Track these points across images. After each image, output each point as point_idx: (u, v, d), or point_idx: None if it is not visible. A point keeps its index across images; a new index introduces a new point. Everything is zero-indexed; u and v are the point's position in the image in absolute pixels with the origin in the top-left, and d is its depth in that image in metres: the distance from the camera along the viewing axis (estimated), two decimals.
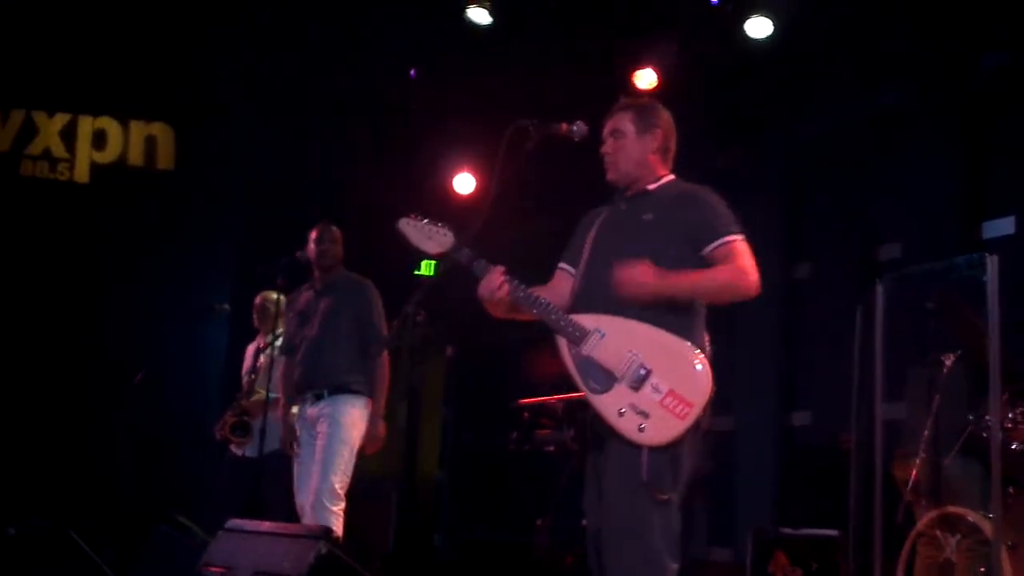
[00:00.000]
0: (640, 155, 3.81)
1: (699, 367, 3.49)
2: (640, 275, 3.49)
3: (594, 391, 3.51)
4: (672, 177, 3.86)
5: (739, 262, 3.57)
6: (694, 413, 3.43)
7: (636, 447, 3.44)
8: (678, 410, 3.42)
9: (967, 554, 4.86)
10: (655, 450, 3.44)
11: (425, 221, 3.73)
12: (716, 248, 3.61)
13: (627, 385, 3.47)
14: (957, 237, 6.41)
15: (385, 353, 5.82)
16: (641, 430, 3.43)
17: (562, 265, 3.93)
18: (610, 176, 3.84)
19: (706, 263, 3.62)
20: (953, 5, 6.65)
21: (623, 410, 3.45)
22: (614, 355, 3.51)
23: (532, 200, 7.72)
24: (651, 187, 3.81)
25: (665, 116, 3.89)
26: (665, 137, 3.85)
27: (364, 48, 8.74)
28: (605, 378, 3.50)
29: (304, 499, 5.66)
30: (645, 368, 3.47)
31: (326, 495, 5.51)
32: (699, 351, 3.53)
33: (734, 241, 3.61)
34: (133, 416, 8.13)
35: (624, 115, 3.85)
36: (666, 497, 3.45)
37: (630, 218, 3.76)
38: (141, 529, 5.38)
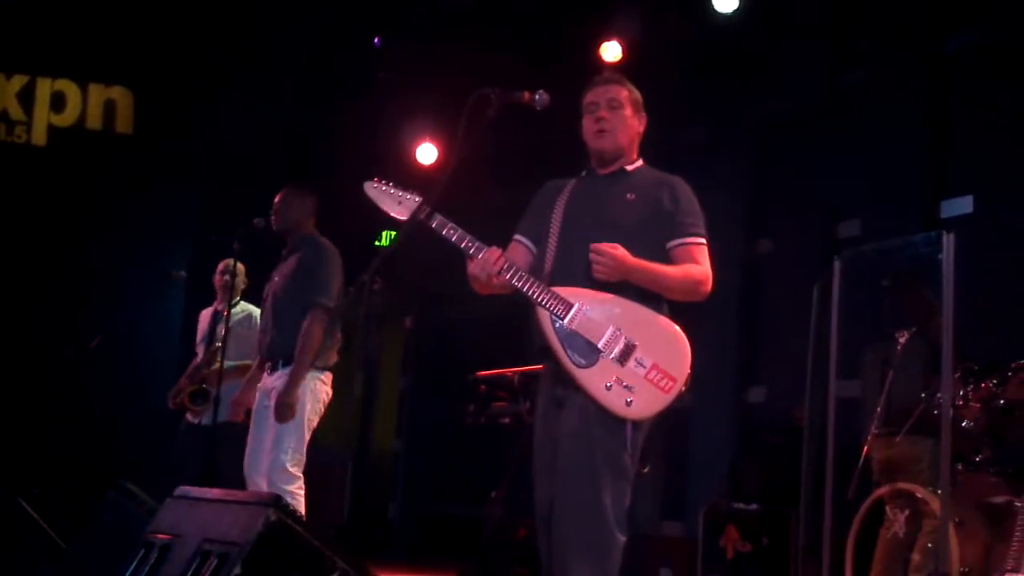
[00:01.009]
0: (633, 133, 3.81)
1: (680, 341, 3.54)
2: (620, 255, 3.51)
3: (579, 365, 3.49)
4: (643, 162, 3.86)
5: (705, 267, 3.64)
6: (677, 386, 3.47)
7: (620, 421, 3.46)
8: (663, 384, 3.45)
9: (916, 529, 4.91)
10: (637, 425, 3.48)
11: (391, 185, 3.66)
12: (681, 245, 3.65)
13: (612, 359, 3.47)
14: (917, 215, 6.44)
15: (320, 313, 5.38)
16: (628, 404, 3.44)
17: (518, 237, 3.89)
18: (602, 143, 3.78)
19: (667, 254, 3.64)
20: None
21: (610, 384, 3.45)
22: (598, 329, 3.50)
23: (489, 171, 7.69)
24: (630, 168, 3.81)
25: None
26: (644, 125, 3.87)
27: (328, 15, 8.68)
28: (589, 352, 3.48)
29: (255, 475, 5.52)
30: (630, 342, 3.48)
31: (277, 475, 5.28)
32: (681, 332, 3.56)
33: (700, 244, 3.66)
34: (87, 382, 8.06)
35: (621, 89, 3.83)
36: (634, 468, 3.49)
37: (613, 196, 3.74)
38: (92, 497, 5.31)
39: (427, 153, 9.01)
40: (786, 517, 6.08)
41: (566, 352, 3.51)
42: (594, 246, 3.52)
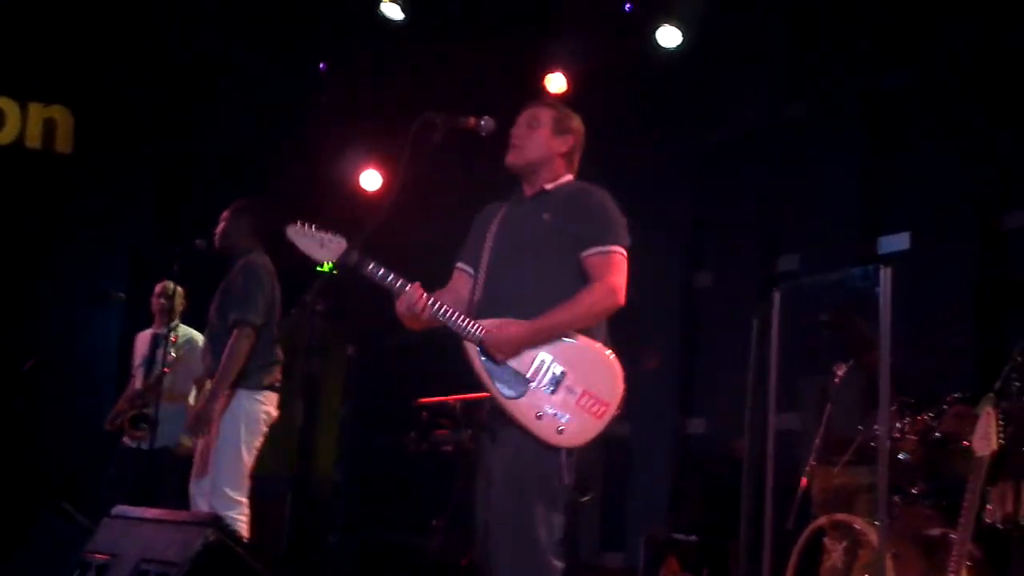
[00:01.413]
0: (548, 152, 3.79)
1: (611, 366, 3.53)
2: (512, 337, 3.49)
3: (508, 396, 3.48)
4: (570, 177, 3.86)
5: (609, 279, 3.58)
6: (610, 411, 3.46)
7: (553, 449, 3.45)
8: (595, 409, 3.44)
9: (853, 560, 4.95)
10: (571, 452, 3.48)
11: (314, 228, 3.61)
12: (593, 255, 3.62)
13: (542, 388, 3.47)
14: (854, 251, 6.52)
15: (244, 330, 5.30)
16: (560, 432, 3.43)
17: (460, 265, 3.90)
18: (511, 158, 3.80)
19: (582, 267, 3.62)
20: (858, 26, 6.79)
21: (540, 413, 3.44)
22: (526, 359, 3.50)
23: (433, 198, 7.69)
24: (549, 186, 3.80)
25: (579, 126, 3.91)
26: (575, 145, 3.86)
27: (274, 37, 8.65)
28: (518, 383, 3.48)
29: (199, 498, 5.43)
30: (560, 370, 3.48)
31: (216, 499, 5.24)
32: (609, 351, 3.56)
33: (611, 252, 3.63)
34: (22, 403, 7.91)
35: (545, 110, 3.86)
36: (567, 497, 3.49)
37: (531, 218, 3.74)
38: (26, 518, 5.22)
39: (371, 179, 8.97)
40: (726, 548, 6.09)
41: (494, 384, 3.50)
42: (484, 335, 3.49)
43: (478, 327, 3.52)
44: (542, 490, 3.45)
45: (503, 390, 3.49)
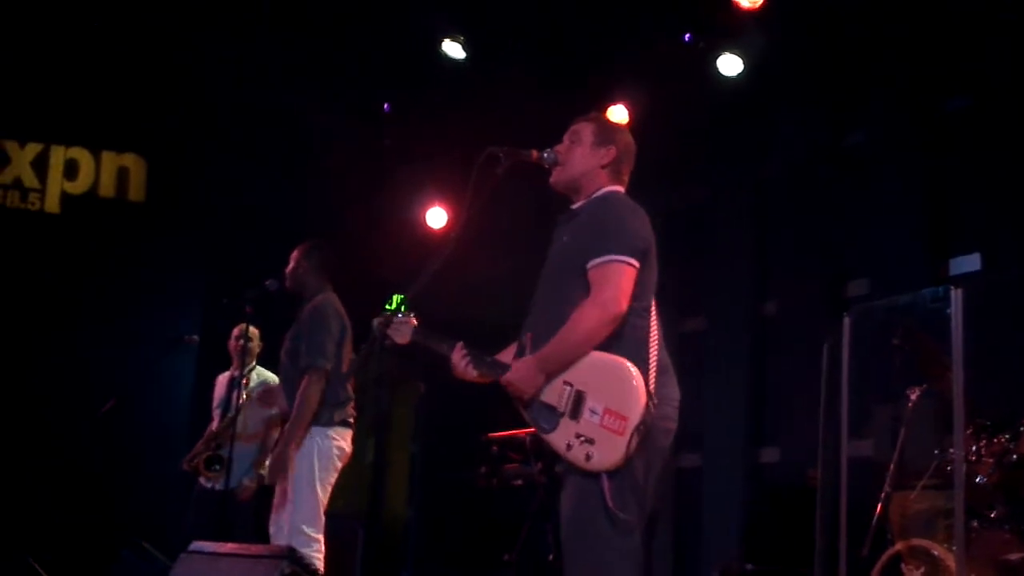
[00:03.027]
0: (589, 165, 3.75)
1: (626, 377, 3.41)
2: (520, 378, 3.50)
3: (544, 431, 3.49)
4: (608, 190, 3.76)
5: (602, 293, 3.48)
6: (631, 425, 3.34)
7: (594, 475, 3.40)
8: (616, 427, 3.35)
9: None
10: (612, 474, 3.39)
11: (392, 315, 3.83)
12: (593, 268, 3.52)
13: (568, 416, 3.44)
14: (924, 274, 6.46)
15: (314, 375, 5.39)
16: (589, 458, 3.38)
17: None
18: (554, 177, 3.79)
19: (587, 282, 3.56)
20: (919, 50, 6.75)
21: (570, 443, 3.41)
22: (552, 391, 3.49)
23: (503, 232, 7.74)
24: (578, 206, 3.77)
25: (625, 138, 3.85)
26: (618, 155, 3.78)
27: (338, 80, 8.78)
28: (550, 416, 3.47)
29: (279, 538, 5.49)
30: (579, 393, 3.44)
31: (296, 538, 5.28)
32: (627, 361, 3.44)
33: (609, 263, 3.51)
34: (101, 445, 8.06)
35: (587, 124, 3.83)
36: (629, 520, 3.41)
37: (557, 242, 3.76)
38: (106, 557, 5.30)
39: (437, 217, 9.05)
40: None
41: (535, 422, 3.52)
42: (501, 381, 3.54)
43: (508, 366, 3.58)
44: (593, 517, 3.40)
45: (542, 424, 3.50)
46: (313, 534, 5.37)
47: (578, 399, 3.44)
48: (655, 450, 3.49)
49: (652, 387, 3.43)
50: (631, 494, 3.43)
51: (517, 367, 3.52)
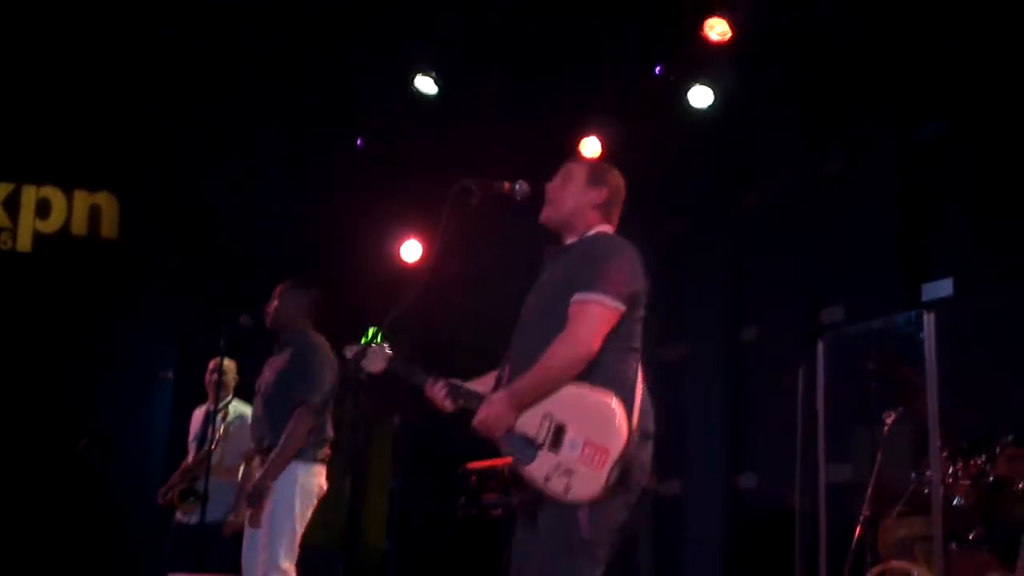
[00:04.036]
0: (581, 204, 3.78)
1: (610, 412, 3.40)
2: (493, 415, 3.48)
3: (521, 463, 3.45)
4: (600, 229, 3.79)
5: (574, 330, 3.48)
6: (612, 459, 3.33)
7: (571, 507, 3.39)
8: (596, 459, 3.33)
9: None
10: (590, 506, 3.38)
11: (366, 346, 3.83)
12: (572, 304, 3.52)
13: (548, 448, 3.41)
14: (898, 300, 6.50)
15: (305, 411, 5.42)
16: (568, 490, 3.36)
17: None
18: (545, 214, 3.81)
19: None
20: (892, 76, 6.83)
21: (548, 475, 3.38)
22: (530, 422, 3.46)
23: (477, 264, 7.77)
24: (570, 241, 3.79)
25: (616, 179, 3.87)
26: (610, 197, 3.81)
27: (311, 116, 8.82)
28: (528, 447, 3.44)
29: (252, 572, 5.51)
30: (559, 425, 3.42)
31: (272, 571, 5.32)
32: (612, 394, 3.44)
33: (587, 302, 3.50)
34: (77, 482, 8.02)
35: (579, 166, 3.88)
36: (601, 553, 3.42)
37: (545, 279, 3.77)
38: None
39: (412, 250, 9.06)
40: None
41: (512, 453, 3.49)
42: (475, 420, 3.53)
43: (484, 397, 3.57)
44: (569, 547, 3.39)
45: (519, 456, 3.47)
46: (290, 568, 5.37)
47: (559, 431, 3.41)
48: (632, 485, 3.49)
49: (635, 423, 3.43)
50: (605, 527, 3.43)
51: (489, 404, 3.50)
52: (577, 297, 3.51)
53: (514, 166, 4.06)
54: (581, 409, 3.44)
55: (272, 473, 5.40)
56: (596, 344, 3.47)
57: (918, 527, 5.00)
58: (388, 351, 3.83)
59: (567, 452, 3.38)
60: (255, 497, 5.41)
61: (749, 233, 7.84)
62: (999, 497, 4.73)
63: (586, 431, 3.39)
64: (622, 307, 3.53)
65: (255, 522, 5.48)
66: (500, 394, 3.51)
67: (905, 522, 5.07)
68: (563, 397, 3.47)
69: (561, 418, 3.43)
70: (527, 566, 3.55)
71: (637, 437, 3.43)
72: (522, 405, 3.48)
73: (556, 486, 3.38)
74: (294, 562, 5.41)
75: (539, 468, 3.41)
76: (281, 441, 5.42)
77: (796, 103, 7.41)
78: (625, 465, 3.37)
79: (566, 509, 3.39)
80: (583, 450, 3.36)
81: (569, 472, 3.36)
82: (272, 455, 5.44)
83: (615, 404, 3.42)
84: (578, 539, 3.38)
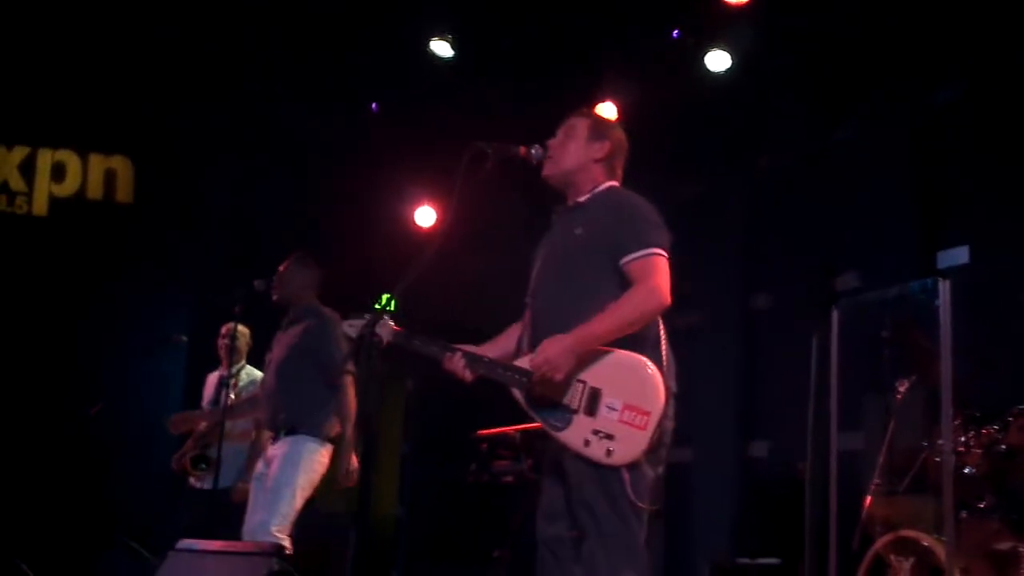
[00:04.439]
0: (583, 159, 3.77)
1: (646, 373, 3.44)
2: (558, 353, 3.44)
3: (556, 429, 3.48)
4: (610, 184, 3.81)
5: (650, 281, 3.50)
6: (654, 419, 3.39)
7: (612, 469, 3.42)
8: (637, 421, 3.38)
9: None
10: (631, 468, 3.42)
11: (366, 316, 3.75)
12: (633, 260, 3.53)
13: (583, 413, 3.44)
14: (913, 267, 6.47)
15: (349, 379, 5.56)
16: (609, 454, 3.40)
17: (527, 299, 3.92)
18: (547, 170, 3.81)
19: (623, 275, 3.57)
20: (908, 42, 6.76)
21: (588, 439, 3.42)
22: (563, 387, 3.49)
23: (492, 229, 7.74)
24: (583, 199, 3.77)
25: (618, 134, 3.88)
26: (612, 150, 3.81)
27: (325, 80, 8.78)
28: (562, 413, 3.47)
29: (246, 537, 5.56)
30: (594, 390, 3.45)
31: (261, 536, 5.34)
32: (645, 357, 3.47)
33: (650, 255, 3.54)
34: (91, 446, 8.06)
35: (581, 119, 3.86)
36: (646, 510, 3.45)
37: (565, 235, 3.74)
38: (94, 556, 5.31)
39: (426, 216, 9.04)
40: (791, 571, 6.04)
41: (542, 419, 3.50)
42: (531, 365, 3.49)
43: (522, 370, 3.54)
44: (612, 509, 3.43)
45: (552, 422, 3.49)
46: (281, 536, 5.40)
47: (593, 396, 3.45)
48: (664, 445, 3.53)
49: (669, 383, 3.48)
50: (646, 486, 3.47)
51: (547, 346, 3.46)
52: (634, 254, 3.53)
53: (529, 131, 4.02)
54: (615, 373, 3.47)
55: (352, 448, 5.56)
56: (668, 295, 3.51)
57: (928, 498, 5.00)
58: (394, 326, 3.74)
59: (604, 416, 3.42)
60: (351, 477, 5.58)
61: (763, 198, 7.80)
62: (1011, 466, 4.73)
63: (624, 394, 3.43)
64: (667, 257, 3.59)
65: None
66: (559, 337, 3.46)
67: (916, 491, 5.07)
68: (597, 363, 3.49)
69: (595, 383, 3.46)
70: (557, 530, 3.57)
71: (673, 393, 3.49)
72: (585, 349, 3.45)
73: (596, 450, 3.41)
74: (287, 532, 5.45)
75: (576, 434, 3.44)
76: (343, 417, 5.58)
77: (812, 68, 7.34)
78: (662, 424, 3.42)
79: (605, 472, 3.42)
80: (622, 413, 3.40)
81: (610, 436, 3.40)
82: (344, 435, 5.58)
83: (650, 365, 3.46)
84: (625, 499, 3.42)
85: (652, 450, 3.44)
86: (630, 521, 3.43)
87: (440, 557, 9.22)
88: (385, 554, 9.88)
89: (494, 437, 6.56)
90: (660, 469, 3.55)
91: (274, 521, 5.40)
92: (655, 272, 3.52)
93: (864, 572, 5.02)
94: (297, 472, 5.50)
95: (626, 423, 3.40)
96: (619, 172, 3.86)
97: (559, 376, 3.44)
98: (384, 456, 10.12)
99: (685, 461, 7.56)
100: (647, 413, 3.39)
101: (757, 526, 6.81)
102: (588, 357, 3.48)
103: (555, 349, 3.44)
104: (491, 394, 3.74)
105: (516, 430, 6.34)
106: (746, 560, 6.36)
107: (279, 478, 5.49)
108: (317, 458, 5.60)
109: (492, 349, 3.84)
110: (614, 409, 3.41)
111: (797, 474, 6.06)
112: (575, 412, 3.46)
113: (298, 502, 5.50)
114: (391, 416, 10.18)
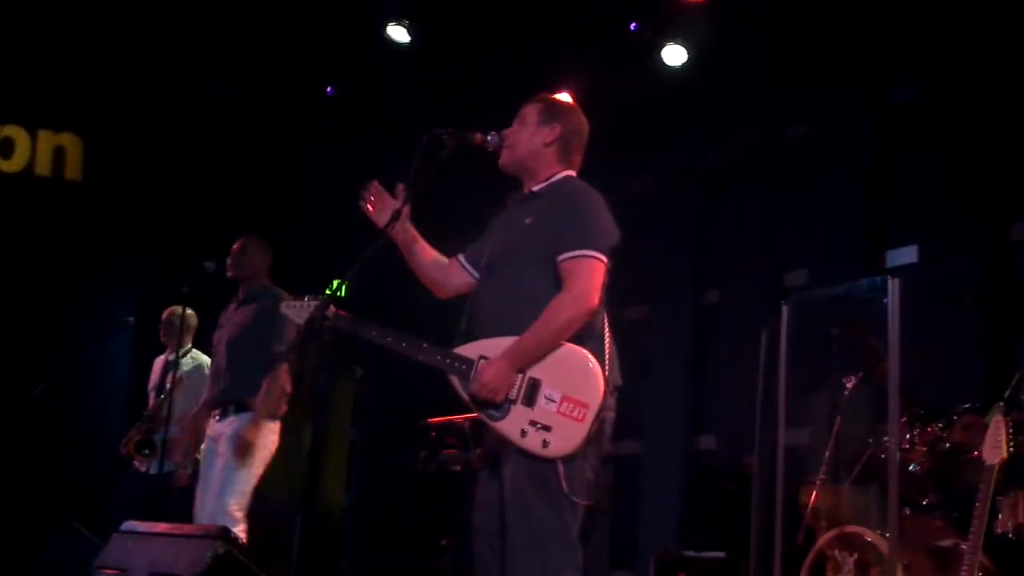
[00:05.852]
0: (535, 145, 3.75)
1: (587, 365, 3.44)
2: (495, 379, 3.42)
3: (493, 418, 3.46)
4: (566, 174, 3.78)
5: (576, 287, 3.47)
6: (591, 413, 3.38)
7: (548, 461, 3.40)
8: (575, 414, 3.38)
9: (864, 574, 4.93)
10: (567, 460, 3.41)
11: (305, 299, 3.76)
12: (566, 260, 3.52)
13: (522, 403, 3.43)
14: (862, 265, 6.53)
15: (283, 366, 5.52)
16: (545, 445, 3.39)
17: (460, 256, 3.91)
18: (502, 159, 3.80)
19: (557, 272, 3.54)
20: (861, 41, 6.82)
21: (524, 429, 3.40)
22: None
23: (448, 217, 7.71)
24: (537, 188, 3.75)
25: (572, 116, 3.84)
26: (565, 134, 3.77)
27: (280, 64, 8.71)
28: (501, 403, 3.44)
29: (204, 520, 5.55)
30: (534, 381, 3.44)
31: (221, 517, 5.38)
32: (586, 350, 3.46)
33: (583, 258, 3.51)
34: (35, 426, 7.97)
35: (533, 105, 3.83)
36: (580, 504, 3.44)
37: (515, 224, 3.72)
38: (37, 537, 5.28)
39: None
40: (736, 565, 6.07)
41: (484, 409, 3.48)
42: (470, 390, 3.46)
43: (462, 358, 3.52)
44: (545, 502, 3.41)
45: (488, 412, 3.47)
46: (240, 515, 5.46)
47: (533, 387, 3.43)
48: (602, 437, 3.52)
49: (608, 375, 3.46)
50: (582, 480, 3.46)
51: (487, 370, 3.44)
52: (570, 254, 3.51)
53: (487, 119, 4.00)
54: (555, 364, 3.45)
55: (259, 426, 5.47)
56: (596, 299, 3.49)
57: (871, 493, 5.05)
58: (340, 312, 3.71)
59: (542, 407, 3.41)
60: (248, 448, 5.46)
61: (715, 194, 7.83)
62: (954, 464, 4.78)
63: (562, 386, 3.42)
64: (607, 260, 3.56)
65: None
66: (498, 359, 3.45)
67: (859, 490, 5.11)
68: None
69: (535, 374, 3.44)
70: (494, 522, 3.55)
71: (611, 387, 3.47)
72: (521, 366, 3.45)
73: (533, 441, 3.40)
74: (244, 512, 5.47)
75: (513, 424, 3.43)
76: (269, 392, 5.49)
77: (769, 64, 7.38)
78: (601, 417, 3.41)
79: (541, 464, 3.41)
80: (560, 405, 3.39)
81: (547, 427, 3.39)
82: (262, 405, 5.49)
83: (590, 357, 3.45)
84: (560, 492, 3.40)
85: (590, 443, 3.43)
86: (564, 514, 3.42)
87: (388, 545, 9.20)
88: (333, 542, 9.85)
89: (443, 425, 6.55)
90: (602, 466, 3.56)
91: (232, 504, 5.43)
92: (583, 276, 3.49)
93: (808, 567, 5.06)
94: (251, 449, 5.51)
95: (564, 415, 3.39)
96: (576, 158, 3.83)
97: (499, 398, 3.44)
98: (333, 443, 10.08)
99: (633, 453, 7.58)
100: (586, 406, 3.39)
101: (704, 520, 6.84)
102: (540, 358, 3.47)
103: (490, 374, 3.43)
104: (440, 382, 3.71)
105: (465, 419, 6.33)
106: (692, 553, 6.38)
107: (231, 460, 5.49)
108: (268, 435, 5.59)
109: (427, 253, 3.92)
110: (552, 400, 3.40)
111: (744, 468, 6.10)
112: (513, 402, 3.44)
113: (252, 481, 5.54)
114: (340, 403, 10.13)
